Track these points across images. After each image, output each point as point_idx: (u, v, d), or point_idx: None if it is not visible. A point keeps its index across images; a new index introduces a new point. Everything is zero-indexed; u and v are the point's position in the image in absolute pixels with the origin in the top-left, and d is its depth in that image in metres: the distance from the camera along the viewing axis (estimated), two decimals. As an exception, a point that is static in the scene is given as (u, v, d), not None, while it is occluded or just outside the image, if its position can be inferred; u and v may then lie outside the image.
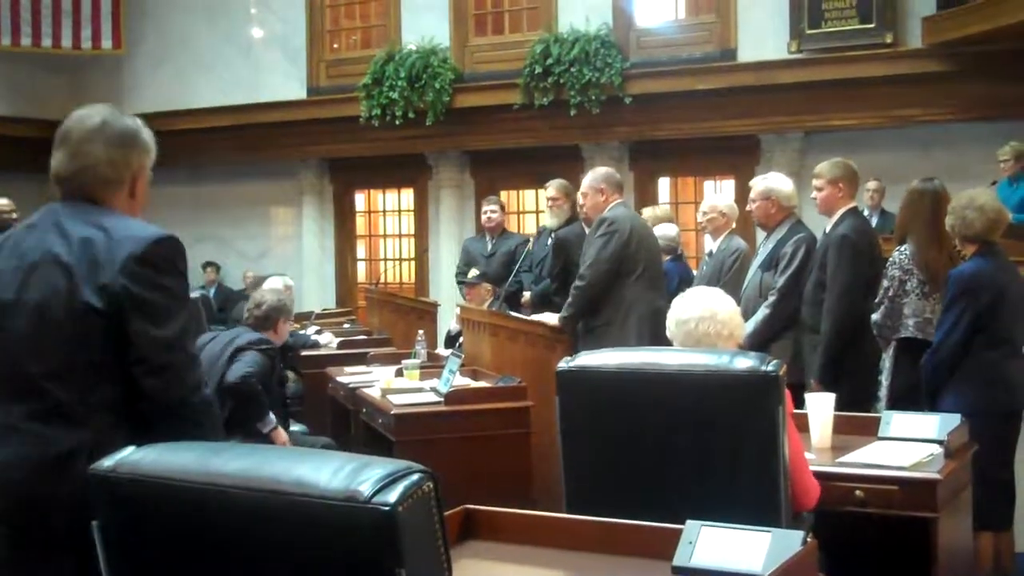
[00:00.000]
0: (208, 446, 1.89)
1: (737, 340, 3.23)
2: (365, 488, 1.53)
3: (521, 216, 11.38)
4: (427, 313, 7.97)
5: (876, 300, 4.86)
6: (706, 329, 3.12)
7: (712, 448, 2.75)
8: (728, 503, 2.36)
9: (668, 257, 6.62)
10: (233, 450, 1.81)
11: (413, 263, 11.97)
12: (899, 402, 4.59)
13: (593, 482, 2.90)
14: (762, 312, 5.32)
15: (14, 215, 6.89)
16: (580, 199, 6.06)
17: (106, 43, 12.22)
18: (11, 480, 2.32)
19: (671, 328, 3.23)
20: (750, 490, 2.69)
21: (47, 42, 12.01)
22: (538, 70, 10.01)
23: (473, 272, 7.56)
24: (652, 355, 2.99)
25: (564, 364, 2.93)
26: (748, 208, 5.77)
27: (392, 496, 1.52)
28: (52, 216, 2.47)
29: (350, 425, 5.97)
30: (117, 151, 2.49)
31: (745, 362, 2.75)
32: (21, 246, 2.46)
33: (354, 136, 11.19)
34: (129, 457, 1.79)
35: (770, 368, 2.70)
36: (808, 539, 2.15)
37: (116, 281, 2.32)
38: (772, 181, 5.60)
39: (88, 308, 2.32)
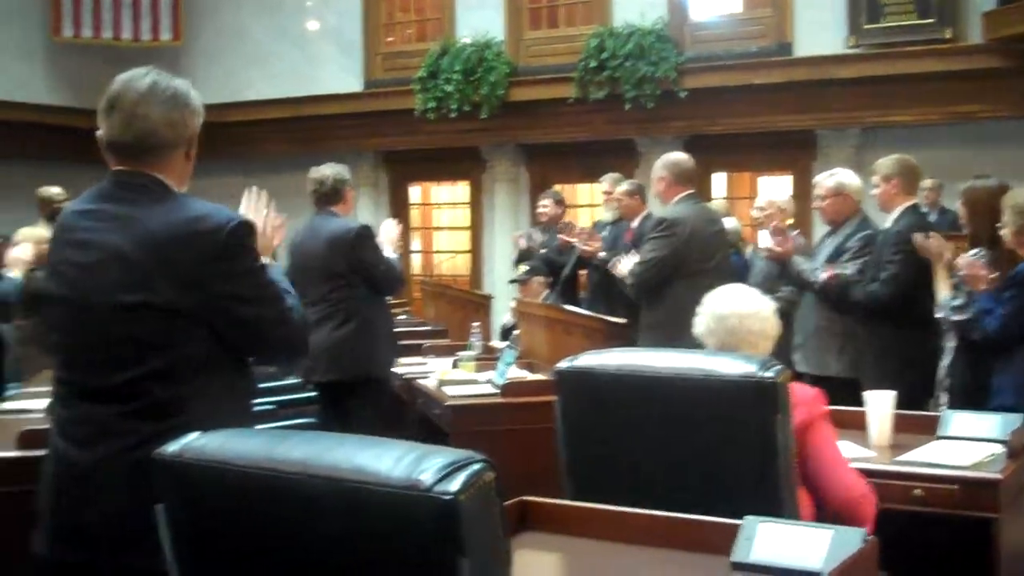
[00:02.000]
0: (273, 433, 1.91)
1: (774, 340, 3.17)
2: (427, 477, 1.54)
3: (576, 210, 11.37)
4: (482, 305, 7.99)
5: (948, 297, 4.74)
6: (749, 326, 3.08)
7: (710, 453, 2.70)
8: (726, 509, 2.31)
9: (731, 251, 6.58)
10: (297, 437, 1.82)
11: (468, 255, 12.00)
12: (962, 398, 4.54)
13: (592, 483, 2.84)
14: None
15: (67, 204, 6.99)
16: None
17: (165, 35, 12.36)
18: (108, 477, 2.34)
19: (708, 324, 3.17)
20: (748, 497, 2.62)
21: (107, 34, 12.19)
22: (593, 64, 9.99)
23: (523, 268, 7.56)
24: (651, 357, 2.91)
25: (564, 364, 2.89)
26: (815, 205, 5.70)
27: (453, 485, 1.52)
28: (111, 201, 2.43)
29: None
30: (174, 112, 2.45)
31: (743, 367, 2.67)
32: (80, 236, 2.43)
33: (409, 129, 11.23)
34: (194, 442, 1.80)
35: (768, 374, 2.62)
36: (868, 537, 2.13)
37: (198, 279, 2.33)
38: (843, 176, 5.53)
39: (163, 307, 2.32)
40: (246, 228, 2.42)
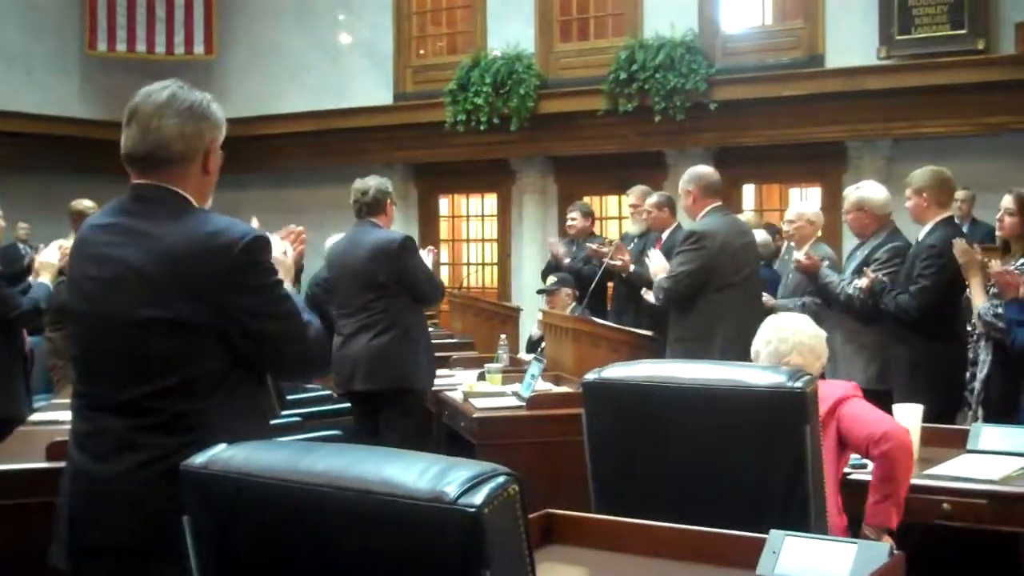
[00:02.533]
0: (299, 445, 1.92)
1: (823, 363, 3.40)
2: (451, 489, 1.54)
3: (604, 222, 11.36)
4: (509, 318, 7.99)
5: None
6: (805, 342, 3.32)
7: (738, 465, 2.69)
8: (755, 521, 2.31)
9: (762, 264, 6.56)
10: (323, 449, 1.83)
11: (496, 268, 12.01)
12: (998, 411, 4.51)
13: (619, 496, 2.83)
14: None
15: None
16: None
17: (198, 48, 12.48)
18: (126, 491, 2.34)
19: (766, 336, 3.34)
20: (777, 508, 2.61)
21: (141, 48, 12.33)
22: (623, 76, 9.99)
23: (552, 279, 7.56)
24: (679, 368, 2.92)
25: (591, 376, 2.88)
26: (844, 218, 5.70)
27: (478, 498, 1.52)
28: (128, 215, 2.43)
29: (431, 427, 6.01)
30: (189, 125, 2.41)
31: (771, 378, 2.67)
32: (98, 251, 2.43)
33: (439, 141, 11.27)
34: (221, 454, 1.81)
35: (797, 385, 2.61)
36: (894, 551, 2.12)
37: (214, 294, 2.33)
38: (865, 191, 5.51)
39: (179, 323, 2.31)
40: (261, 243, 2.41)
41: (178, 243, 2.33)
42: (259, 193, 11.32)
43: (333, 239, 6.83)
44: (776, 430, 2.62)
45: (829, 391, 3.19)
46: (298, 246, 2.88)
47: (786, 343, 3.31)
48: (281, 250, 2.68)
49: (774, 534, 2.18)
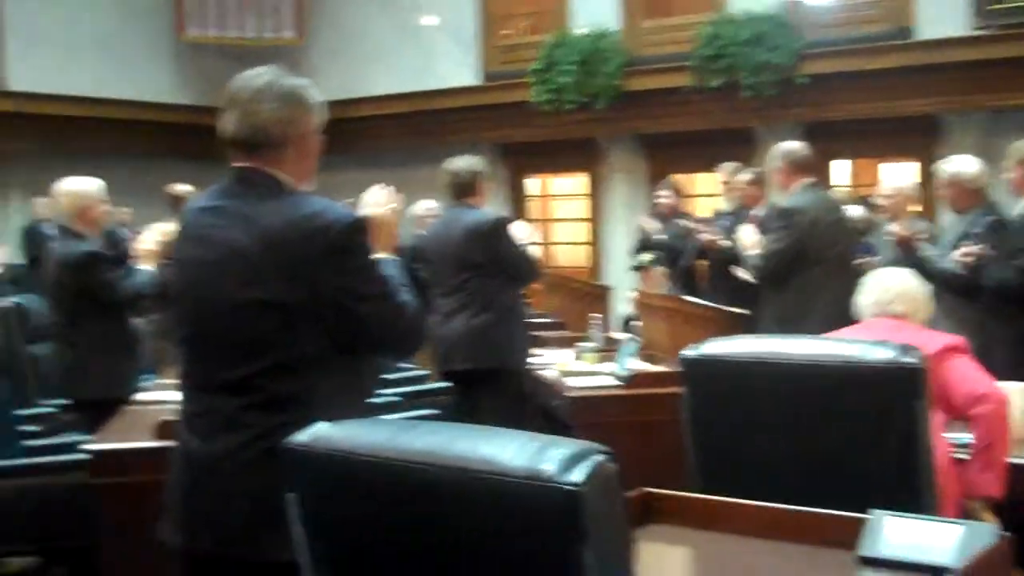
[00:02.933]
0: (399, 423, 1.94)
1: (927, 315, 3.36)
2: (549, 467, 1.54)
3: (693, 200, 11.27)
4: (600, 297, 7.97)
5: None
6: (902, 309, 3.16)
7: (845, 443, 2.63)
8: (861, 501, 2.26)
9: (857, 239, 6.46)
10: (423, 427, 1.85)
11: (586, 247, 11.99)
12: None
13: (718, 475, 2.80)
14: None
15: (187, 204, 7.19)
16: None
17: (287, 33, 12.64)
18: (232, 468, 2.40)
19: (863, 303, 3.30)
20: (887, 485, 2.56)
21: (232, 33, 12.52)
22: (709, 52, 9.88)
23: (646, 256, 7.53)
24: (783, 344, 2.87)
25: (690, 352, 2.85)
26: (938, 193, 5.59)
27: (576, 476, 1.53)
28: (230, 198, 2.48)
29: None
30: (285, 110, 2.47)
31: (882, 353, 2.61)
32: (201, 233, 2.49)
33: (526, 121, 11.26)
34: (321, 432, 1.84)
35: (910, 360, 2.55)
36: (1002, 532, 2.08)
37: (313, 276, 2.36)
38: (956, 165, 5.39)
39: (281, 304, 2.36)
40: (359, 224, 2.45)
41: (277, 225, 2.38)
42: (349, 176, 11.39)
43: (422, 205, 6.86)
44: (886, 407, 2.58)
45: (929, 341, 3.11)
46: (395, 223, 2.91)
47: (889, 292, 3.28)
48: (384, 206, 2.71)
49: (875, 514, 2.15)
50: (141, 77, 12.29)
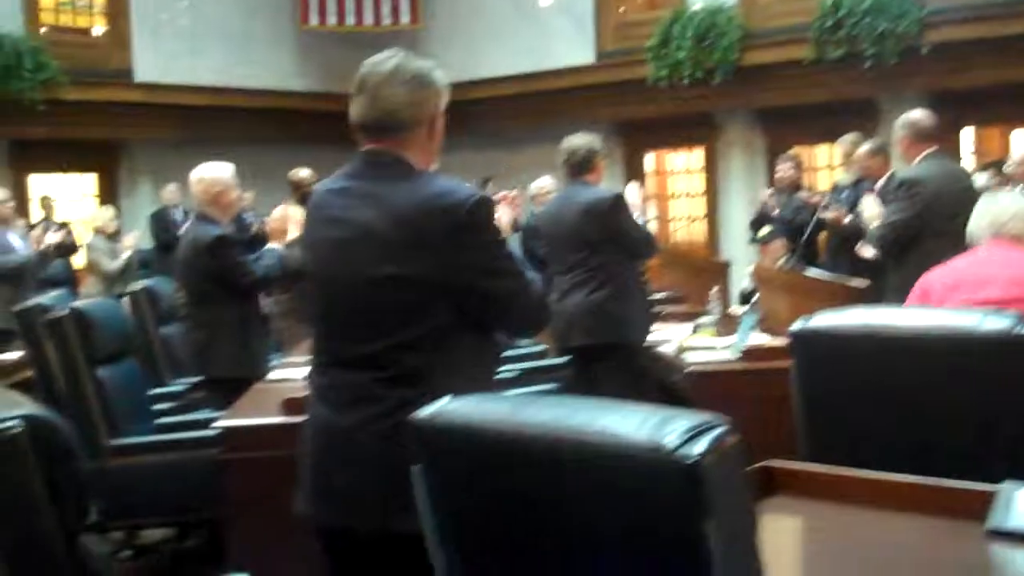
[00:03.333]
0: (520, 398, 1.97)
1: None
2: (671, 440, 1.53)
3: (813, 173, 11.08)
4: (719, 272, 7.91)
5: None
6: (1020, 229, 3.08)
7: (961, 415, 2.54)
8: (981, 473, 2.19)
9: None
10: (543, 401, 1.87)
11: (704, 222, 11.89)
12: None
13: (831, 449, 2.71)
14: None
15: (316, 185, 7.33)
16: None
17: (404, 19, 12.77)
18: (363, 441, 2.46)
19: (978, 227, 3.22)
20: (1007, 459, 2.45)
21: (351, 20, 12.70)
22: (829, 23, 9.69)
23: (765, 230, 7.44)
24: (897, 315, 2.80)
25: (800, 325, 2.80)
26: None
27: (698, 448, 1.51)
28: (360, 179, 2.55)
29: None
30: (414, 93, 2.53)
31: (999, 323, 2.50)
32: (333, 214, 2.56)
33: (642, 98, 11.21)
34: (447, 406, 1.87)
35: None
36: None
37: (442, 252, 2.41)
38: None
39: (412, 280, 2.42)
40: (487, 203, 2.50)
41: (408, 204, 2.44)
42: (469, 156, 11.51)
43: (540, 183, 6.90)
44: (1003, 378, 2.51)
45: None
46: (513, 210, 2.97)
47: (1006, 212, 3.18)
48: (496, 216, 2.76)
49: (1006, 486, 2.11)
50: (264, 66, 12.55)
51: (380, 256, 2.44)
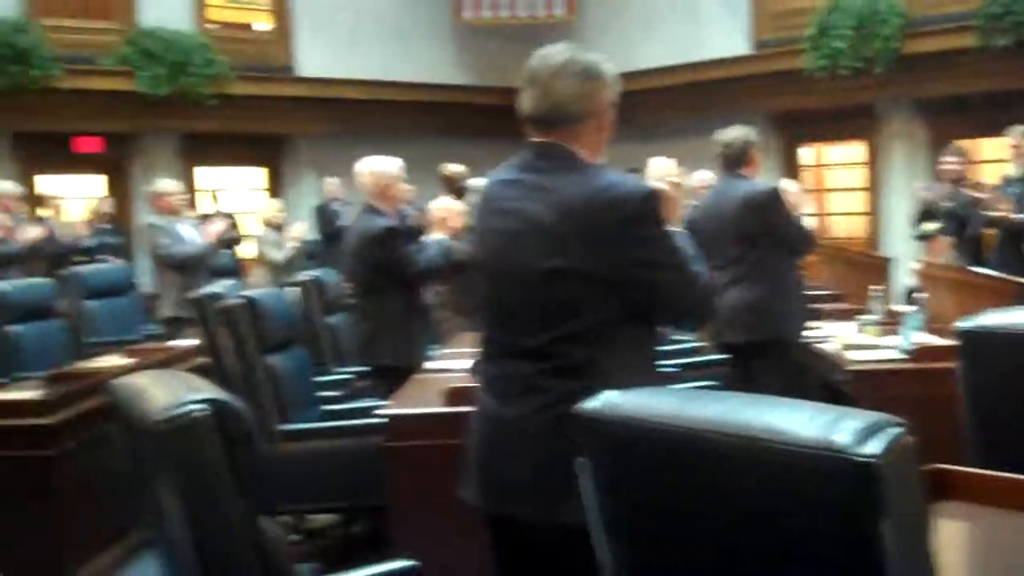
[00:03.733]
0: (685, 392, 1.97)
1: None
2: (843, 438, 1.52)
3: (978, 166, 10.71)
4: (880, 268, 7.72)
5: None
6: None
7: None
8: None
9: None
10: (708, 396, 1.87)
11: (864, 217, 11.62)
12: None
13: (1001, 454, 2.63)
14: None
15: (468, 181, 7.44)
16: None
17: (559, 11, 12.82)
18: (529, 431, 2.50)
19: None
20: None
21: (505, 13, 12.80)
22: (995, 10, 9.36)
23: (930, 225, 7.24)
24: None
25: (967, 323, 2.73)
26: None
27: (872, 447, 1.49)
28: (530, 171, 2.58)
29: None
30: (584, 85, 2.55)
31: None
32: (503, 205, 2.60)
33: (799, 89, 11.03)
34: (612, 399, 1.89)
35: None
36: None
37: (610, 245, 2.44)
38: None
39: (580, 272, 2.44)
40: (655, 196, 2.51)
41: (577, 197, 2.46)
42: (624, 148, 11.45)
43: (700, 175, 6.85)
44: None
45: None
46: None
47: None
48: (669, 177, 2.79)
49: None
50: (421, 59, 12.77)
51: (548, 248, 2.47)
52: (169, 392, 2.21)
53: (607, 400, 1.89)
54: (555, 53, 2.60)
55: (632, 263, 2.46)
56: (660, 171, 5.59)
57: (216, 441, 2.15)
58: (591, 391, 1.93)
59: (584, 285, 2.46)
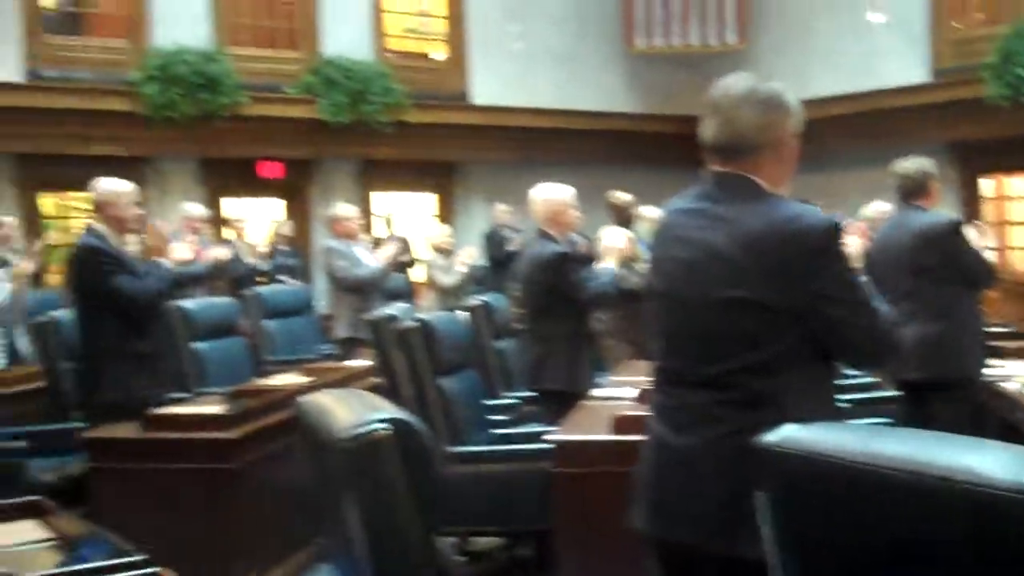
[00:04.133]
0: (867, 428, 1.94)
1: None
2: (1041, 483, 1.49)
3: None
4: (1066, 305, 7.42)
5: None
6: None
7: None
8: None
9: None
10: (891, 433, 1.84)
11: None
12: None
13: None
14: None
15: (637, 210, 7.44)
16: None
17: (730, 38, 12.73)
18: (705, 462, 2.49)
19: None
20: None
21: (677, 41, 12.78)
22: None
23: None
24: None
25: None
26: None
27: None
28: (710, 201, 2.57)
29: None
30: (766, 116, 2.55)
31: None
32: (683, 234, 2.59)
33: (980, 118, 10.69)
34: (792, 433, 1.87)
35: None
36: None
37: (792, 278, 2.42)
38: None
39: (760, 304, 2.43)
40: (837, 230, 2.48)
41: (759, 228, 2.46)
42: (797, 178, 11.31)
43: (878, 206, 6.71)
44: None
45: None
46: (862, 237, 2.93)
47: None
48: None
49: None
50: (593, 87, 12.86)
51: (728, 279, 2.46)
52: (353, 411, 2.28)
53: (788, 434, 1.87)
54: (737, 82, 2.60)
55: (813, 295, 2.44)
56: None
57: (397, 459, 2.20)
58: (769, 424, 1.92)
59: (764, 316, 2.44)
